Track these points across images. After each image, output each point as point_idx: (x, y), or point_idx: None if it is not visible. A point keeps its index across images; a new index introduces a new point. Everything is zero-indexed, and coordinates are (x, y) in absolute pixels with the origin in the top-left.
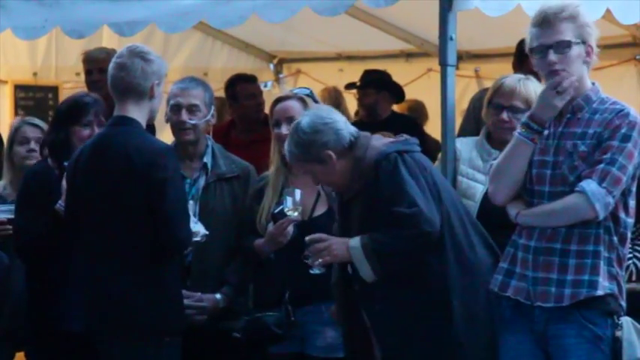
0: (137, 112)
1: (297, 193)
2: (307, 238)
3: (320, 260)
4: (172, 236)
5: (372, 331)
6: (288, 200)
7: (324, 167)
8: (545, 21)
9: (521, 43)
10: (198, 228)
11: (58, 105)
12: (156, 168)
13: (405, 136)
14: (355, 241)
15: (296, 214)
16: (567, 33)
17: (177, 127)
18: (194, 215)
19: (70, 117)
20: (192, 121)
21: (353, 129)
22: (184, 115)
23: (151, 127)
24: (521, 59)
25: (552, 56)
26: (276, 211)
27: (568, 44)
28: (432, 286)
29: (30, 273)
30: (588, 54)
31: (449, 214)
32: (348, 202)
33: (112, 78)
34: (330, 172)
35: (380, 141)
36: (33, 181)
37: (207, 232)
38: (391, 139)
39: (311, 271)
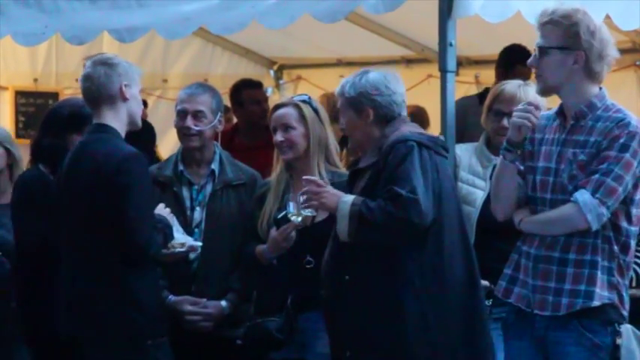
0: (113, 118)
1: (301, 198)
2: (305, 177)
3: (309, 202)
4: (130, 242)
5: (335, 300)
6: (292, 205)
7: (358, 120)
8: (537, 23)
9: (506, 51)
10: (184, 239)
11: (56, 109)
12: (119, 173)
13: (439, 136)
14: (348, 198)
15: (299, 219)
16: (549, 38)
17: (183, 133)
18: (199, 222)
19: (70, 125)
20: (198, 128)
21: (402, 110)
22: (189, 121)
23: (150, 132)
24: (507, 67)
25: (532, 59)
26: (280, 216)
27: (544, 50)
28: (399, 282)
29: (26, 276)
30: (576, 61)
31: (442, 220)
32: (356, 174)
33: (82, 91)
34: (360, 127)
35: (410, 128)
36: (28, 187)
37: (199, 243)
38: (422, 131)
39: (302, 212)
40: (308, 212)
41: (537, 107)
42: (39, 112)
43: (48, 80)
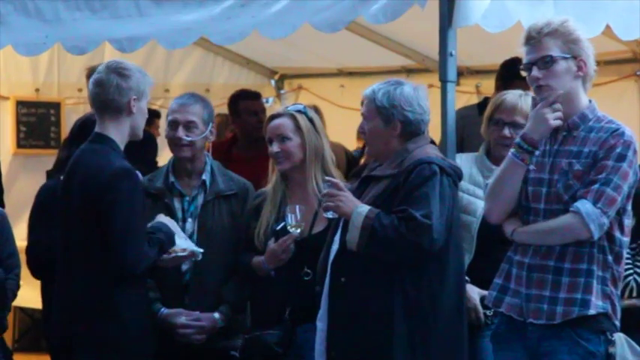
0: (114, 129)
1: (299, 209)
2: (327, 178)
3: (326, 203)
4: (118, 259)
5: (329, 299)
6: (290, 217)
7: (383, 129)
8: (530, 38)
9: (505, 65)
10: (186, 245)
11: (76, 121)
12: (108, 190)
13: (458, 165)
14: (363, 209)
15: (298, 230)
16: (552, 48)
17: (174, 144)
18: (191, 233)
19: (81, 135)
20: (189, 138)
21: (426, 129)
22: (181, 132)
23: (152, 142)
24: (508, 80)
25: (535, 72)
26: (279, 227)
27: (551, 59)
28: (394, 296)
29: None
30: (580, 68)
31: (449, 248)
32: (368, 180)
33: (90, 94)
34: (383, 136)
35: (434, 150)
36: (46, 197)
37: (200, 250)
38: (443, 156)
39: (324, 215)
40: (330, 215)
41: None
42: (40, 122)
43: (50, 90)
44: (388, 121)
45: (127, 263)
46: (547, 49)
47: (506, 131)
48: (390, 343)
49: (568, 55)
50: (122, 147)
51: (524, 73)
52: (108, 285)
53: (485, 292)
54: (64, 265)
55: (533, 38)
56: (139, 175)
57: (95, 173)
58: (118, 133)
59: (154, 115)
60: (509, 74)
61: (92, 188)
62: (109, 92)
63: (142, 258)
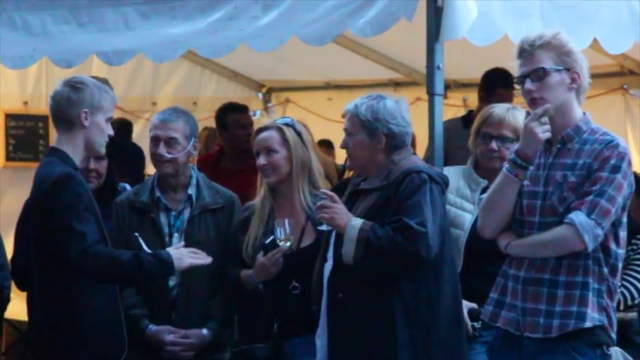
0: (67, 143)
1: (288, 223)
2: (322, 190)
3: (320, 214)
4: (63, 259)
5: (328, 316)
6: (279, 230)
7: (368, 143)
8: (523, 51)
9: (487, 74)
10: None
11: None
12: (49, 195)
13: (444, 174)
14: (357, 222)
15: (288, 244)
16: (545, 61)
17: (156, 160)
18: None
19: None
20: (170, 155)
21: (409, 140)
22: (162, 149)
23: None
24: (489, 91)
25: (529, 84)
26: (268, 241)
27: (544, 71)
28: (394, 306)
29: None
30: (574, 80)
31: (443, 254)
32: (356, 194)
33: (49, 108)
34: (367, 150)
35: (419, 160)
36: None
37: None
38: (429, 165)
39: (318, 227)
40: (324, 227)
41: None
42: (29, 134)
43: (38, 103)
44: (372, 134)
45: (70, 261)
46: (540, 62)
47: (494, 144)
48: (394, 353)
49: (561, 68)
50: (77, 160)
51: (517, 86)
52: (67, 292)
53: (473, 305)
54: (34, 277)
55: (526, 51)
56: (81, 178)
57: (39, 183)
58: (70, 146)
59: (130, 126)
60: (491, 83)
61: (37, 196)
62: (60, 104)
63: (88, 256)
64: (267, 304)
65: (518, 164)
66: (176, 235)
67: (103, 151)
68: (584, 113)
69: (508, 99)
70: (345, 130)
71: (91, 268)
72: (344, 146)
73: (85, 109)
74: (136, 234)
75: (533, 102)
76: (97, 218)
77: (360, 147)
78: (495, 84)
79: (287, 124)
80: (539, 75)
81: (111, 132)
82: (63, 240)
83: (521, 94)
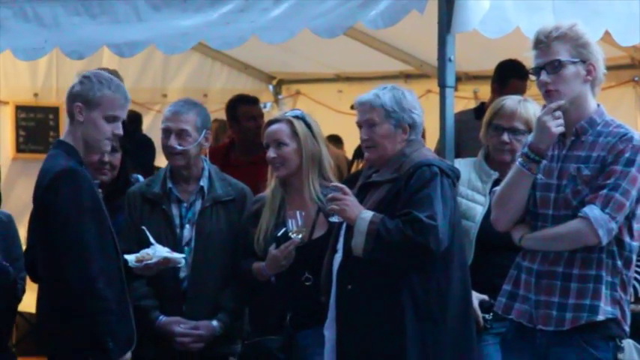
0: (69, 134)
1: (300, 215)
2: (333, 183)
3: (331, 206)
4: (57, 261)
5: (336, 308)
6: (291, 222)
7: (393, 132)
8: (538, 42)
9: (501, 65)
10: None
11: None
12: (47, 191)
13: (455, 167)
14: (367, 214)
15: (300, 236)
16: (561, 53)
17: (167, 152)
18: (189, 240)
19: None
20: (181, 147)
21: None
22: (173, 141)
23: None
24: (503, 82)
25: (544, 76)
26: (280, 233)
27: (560, 63)
28: (404, 299)
29: None
30: (589, 72)
31: (453, 248)
32: (367, 186)
33: None
34: (391, 140)
35: (431, 153)
36: None
37: (181, 256)
38: (441, 158)
39: (329, 219)
40: (335, 219)
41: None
42: (39, 126)
43: (48, 95)
44: (398, 124)
45: (61, 259)
46: (556, 54)
47: (505, 137)
48: (403, 346)
49: (577, 60)
50: (81, 152)
51: (532, 78)
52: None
53: (483, 297)
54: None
55: (542, 42)
56: (86, 174)
57: (41, 176)
58: (74, 140)
59: (140, 118)
60: (505, 74)
61: (37, 190)
62: (66, 96)
63: (76, 261)
64: (279, 296)
65: (531, 158)
66: (187, 226)
67: (105, 148)
68: (599, 105)
69: (522, 90)
70: (367, 121)
71: (71, 275)
72: (366, 137)
73: (79, 104)
74: (144, 227)
75: (548, 94)
76: (101, 214)
77: (385, 137)
78: (509, 75)
79: (297, 117)
80: (555, 67)
81: (118, 131)
82: (57, 237)
83: (536, 85)
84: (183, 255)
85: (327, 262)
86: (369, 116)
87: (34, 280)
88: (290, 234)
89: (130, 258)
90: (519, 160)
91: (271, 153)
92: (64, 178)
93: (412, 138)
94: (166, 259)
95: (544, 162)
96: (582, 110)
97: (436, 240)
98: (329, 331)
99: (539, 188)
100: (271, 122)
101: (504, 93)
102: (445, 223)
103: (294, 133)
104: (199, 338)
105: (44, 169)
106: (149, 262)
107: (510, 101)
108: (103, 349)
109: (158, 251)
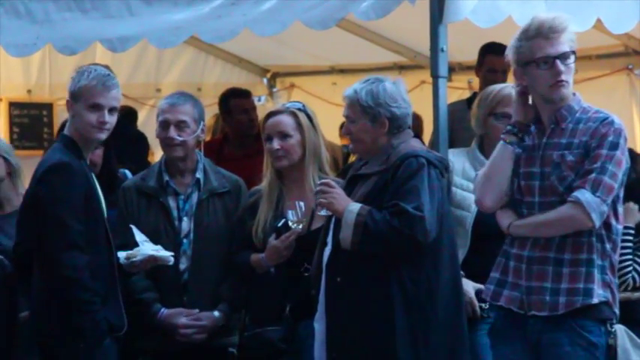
0: (69, 128)
1: (300, 205)
2: (320, 181)
3: (319, 199)
4: (46, 252)
5: (326, 300)
6: (292, 213)
7: (370, 127)
8: (551, 31)
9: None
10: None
11: None
12: (39, 183)
13: (443, 157)
14: (355, 207)
15: (300, 226)
16: (567, 43)
17: (166, 144)
18: (187, 232)
19: None
20: (181, 138)
21: (410, 122)
22: (172, 132)
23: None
24: (480, 61)
25: (561, 66)
26: (280, 224)
27: (568, 55)
28: (393, 291)
29: None
30: (574, 63)
31: (442, 238)
32: (356, 179)
33: None
34: (370, 135)
35: (418, 144)
36: None
37: (169, 254)
38: (428, 149)
39: (317, 212)
40: (323, 212)
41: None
42: (33, 123)
43: (42, 91)
44: (375, 119)
45: (49, 253)
46: (565, 45)
47: None
48: (392, 338)
49: (572, 50)
50: (81, 145)
51: (542, 67)
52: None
53: (480, 286)
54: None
55: (556, 32)
56: (83, 167)
57: (37, 169)
58: (73, 131)
59: (136, 114)
60: (481, 53)
61: (31, 182)
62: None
63: (64, 256)
64: (278, 288)
65: (513, 132)
66: (185, 219)
67: (96, 136)
68: (574, 93)
69: (498, 66)
70: (347, 117)
71: (59, 271)
72: (346, 132)
73: (68, 99)
74: (132, 226)
75: (559, 84)
76: (94, 208)
77: (364, 132)
78: (485, 52)
79: (299, 109)
80: (567, 58)
81: (102, 119)
82: (48, 230)
83: (539, 74)
84: (171, 253)
85: (317, 255)
86: (347, 112)
87: (21, 275)
88: (290, 224)
89: (121, 255)
90: (502, 134)
91: (274, 144)
92: (56, 171)
93: (395, 130)
94: (153, 258)
95: (530, 143)
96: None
97: (423, 231)
98: (319, 324)
99: (522, 177)
100: (273, 114)
101: (482, 71)
102: (433, 214)
103: (298, 124)
104: (202, 329)
105: (41, 162)
106: (134, 259)
107: (508, 89)
108: (83, 337)
109: (143, 250)
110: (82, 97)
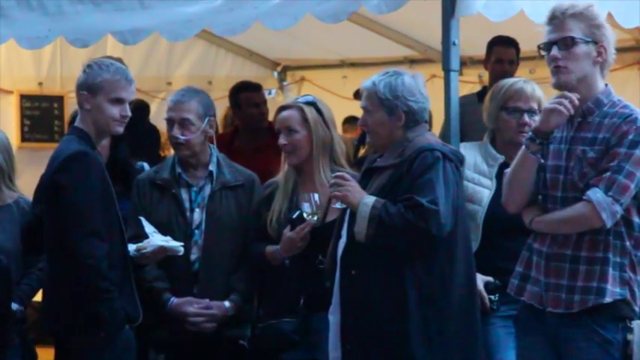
0: (82, 120)
1: (316, 196)
2: (336, 174)
3: (333, 192)
4: (65, 240)
5: (340, 293)
6: (306, 205)
7: (387, 120)
8: (553, 17)
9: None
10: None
11: None
12: (59, 172)
13: (459, 150)
14: (369, 199)
15: (315, 218)
16: (575, 30)
17: (172, 142)
18: (199, 223)
19: None
20: (184, 137)
21: (427, 117)
22: (176, 131)
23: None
24: (488, 53)
25: (555, 51)
26: (295, 215)
27: (572, 41)
28: (407, 283)
29: None
30: (600, 54)
31: (456, 232)
32: (370, 172)
33: None
34: (387, 127)
35: (434, 137)
36: None
37: (179, 244)
38: (443, 142)
39: (332, 205)
40: (338, 205)
41: (573, 100)
42: (44, 115)
43: (53, 84)
44: (392, 112)
45: (68, 241)
46: (569, 30)
47: (526, 118)
48: (406, 331)
49: (589, 40)
50: (94, 137)
51: (543, 53)
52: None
53: (489, 278)
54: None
55: (557, 18)
56: (98, 158)
57: (52, 159)
58: (86, 125)
59: (148, 107)
60: (489, 46)
61: (48, 172)
62: (75, 88)
63: (83, 244)
64: (292, 279)
65: (535, 140)
66: (197, 210)
67: (115, 129)
68: (606, 85)
69: (505, 57)
70: (364, 108)
71: (78, 259)
72: (362, 124)
73: (84, 92)
74: (141, 217)
75: (557, 70)
76: (108, 199)
77: (380, 125)
78: (492, 43)
79: (308, 103)
80: (567, 44)
81: (125, 112)
82: (68, 218)
83: (546, 60)
84: (181, 243)
85: (331, 248)
86: (365, 104)
87: (28, 251)
88: (305, 215)
89: (131, 247)
90: (525, 142)
91: (282, 140)
92: (76, 160)
93: (411, 124)
94: (162, 248)
95: (558, 136)
96: (590, 91)
97: (438, 224)
98: (333, 316)
99: (549, 170)
100: (283, 108)
101: (489, 62)
102: (447, 207)
103: (305, 119)
104: (212, 318)
105: (57, 152)
106: (144, 251)
107: (520, 83)
108: (103, 326)
109: (153, 241)
110: (102, 90)
